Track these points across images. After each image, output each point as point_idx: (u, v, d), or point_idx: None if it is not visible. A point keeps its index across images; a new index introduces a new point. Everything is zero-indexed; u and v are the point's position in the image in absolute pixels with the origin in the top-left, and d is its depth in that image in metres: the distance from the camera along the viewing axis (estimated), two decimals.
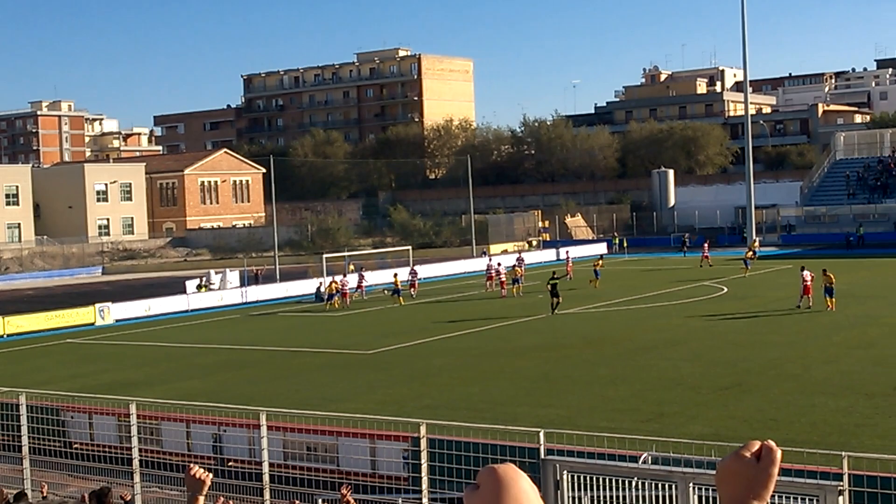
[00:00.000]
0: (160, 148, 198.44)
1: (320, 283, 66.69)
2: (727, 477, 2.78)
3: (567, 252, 77.02)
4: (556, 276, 52.88)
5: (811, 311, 46.64)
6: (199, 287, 70.38)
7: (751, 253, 68.90)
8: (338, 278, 62.92)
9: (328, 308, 59.14)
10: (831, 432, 24.00)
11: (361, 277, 65.24)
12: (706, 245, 75.93)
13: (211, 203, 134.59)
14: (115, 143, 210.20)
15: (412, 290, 63.40)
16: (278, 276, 76.37)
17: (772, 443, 2.78)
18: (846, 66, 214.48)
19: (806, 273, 48.43)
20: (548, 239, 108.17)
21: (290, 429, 23.40)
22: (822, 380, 30.76)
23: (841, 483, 12.48)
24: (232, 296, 67.53)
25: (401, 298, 59.65)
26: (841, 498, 12.10)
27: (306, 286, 69.26)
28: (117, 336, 52.50)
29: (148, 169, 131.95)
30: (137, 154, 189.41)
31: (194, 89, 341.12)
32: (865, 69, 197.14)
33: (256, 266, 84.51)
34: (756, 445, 2.79)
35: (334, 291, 60.75)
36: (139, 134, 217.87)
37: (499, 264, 65.18)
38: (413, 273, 65.47)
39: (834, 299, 46.70)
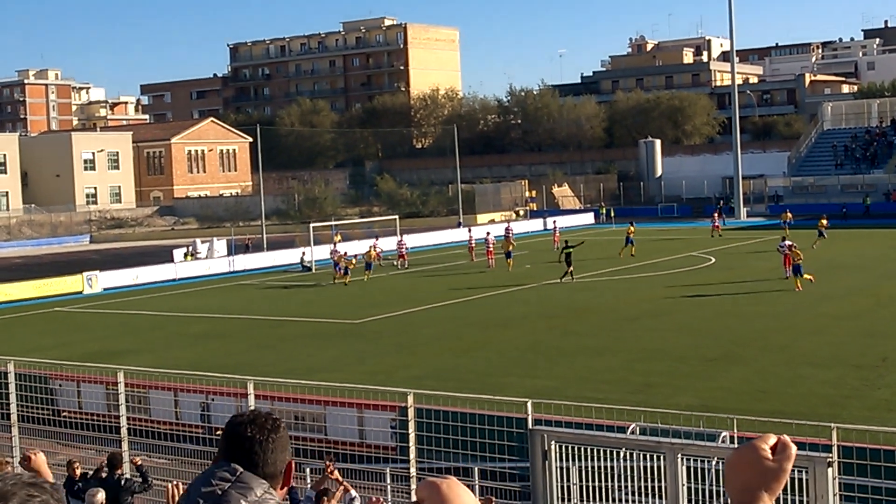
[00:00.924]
0: (147, 117, 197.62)
1: (303, 253, 66.63)
2: (741, 466, 2.77)
3: (555, 222, 76.95)
4: (570, 244, 52.03)
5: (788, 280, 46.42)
6: (185, 256, 70.27)
7: (825, 222, 64.39)
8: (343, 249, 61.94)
9: (336, 281, 56.43)
10: (820, 404, 24.06)
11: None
12: (716, 215, 75.72)
13: (198, 172, 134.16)
14: (102, 112, 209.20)
15: (401, 260, 63.03)
16: (265, 246, 76.29)
17: (787, 438, 2.77)
18: (833, 36, 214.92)
19: (787, 243, 48.40)
20: (535, 209, 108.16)
21: (278, 398, 23.40)
22: (810, 351, 30.83)
23: (830, 455, 12.48)
24: (219, 265, 67.41)
25: (368, 273, 57.21)
26: (830, 469, 12.09)
27: (293, 255, 69.18)
28: (105, 305, 52.39)
29: (135, 138, 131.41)
30: (124, 123, 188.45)
31: (181, 58, 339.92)
32: (853, 39, 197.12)
33: (245, 235, 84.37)
34: (773, 439, 2.78)
35: (343, 263, 57.27)
36: (126, 103, 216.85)
37: (488, 233, 64.70)
38: (401, 243, 64.91)
39: (800, 278, 44.22)
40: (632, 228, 62.47)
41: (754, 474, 2.75)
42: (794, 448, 2.76)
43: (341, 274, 56.53)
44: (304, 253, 66.66)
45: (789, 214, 72.72)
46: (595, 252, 62.38)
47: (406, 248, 64.85)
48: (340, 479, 14.74)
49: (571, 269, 50.53)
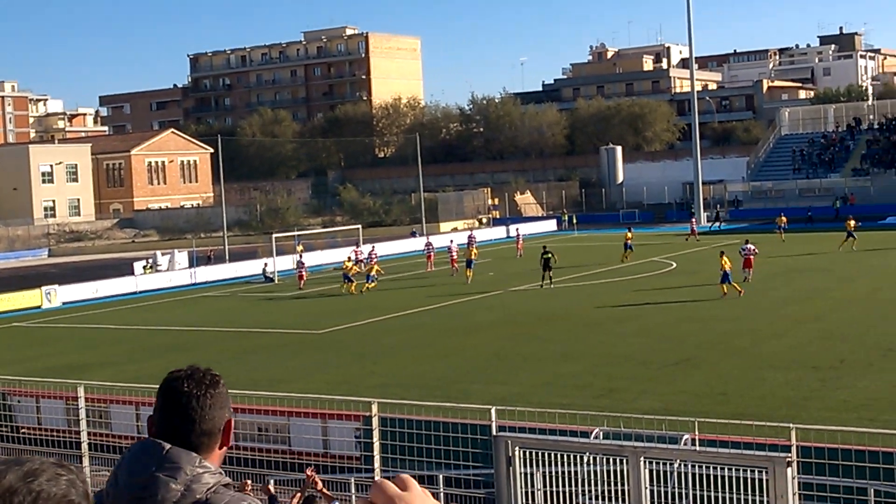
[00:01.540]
0: (106, 128, 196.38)
1: (265, 264, 66.45)
2: None
3: (517, 229, 77.02)
4: (547, 249, 52.03)
5: (756, 284, 47.01)
6: (144, 269, 69.85)
7: (853, 223, 62.63)
8: (351, 255, 61.45)
9: (344, 290, 54.97)
10: (780, 405, 24.24)
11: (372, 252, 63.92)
12: (694, 220, 75.73)
13: (158, 183, 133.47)
14: (61, 124, 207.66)
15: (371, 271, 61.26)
16: (227, 257, 75.99)
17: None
18: (790, 43, 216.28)
19: (750, 246, 48.95)
20: (498, 216, 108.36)
21: (241, 409, 23.30)
22: (771, 353, 31.06)
23: (789, 455, 12.60)
24: (181, 277, 67.09)
25: (352, 286, 54.67)
26: (789, 469, 12.22)
27: (256, 266, 68.96)
28: (64, 319, 52.00)
29: (94, 150, 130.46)
30: (83, 135, 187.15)
31: (140, 69, 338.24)
32: (809, 45, 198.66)
33: (207, 247, 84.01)
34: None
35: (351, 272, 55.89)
36: (84, 114, 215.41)
37: (451, 241, 64.71)
38: (371, 254, 63.64)
39: (727, 285, 43.79)
40: (629, 234, 62.98)
41: None
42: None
43: (347, 283, 54.99)
44: (266, 264, 66.46)
45: (784, 218, 71.69)
46: (560, 259, 62.42)
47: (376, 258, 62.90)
48: (322, 486, 14.69)
49: (550, 273, 50.79)
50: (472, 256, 58.34)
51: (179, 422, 3.49)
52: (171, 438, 3.48)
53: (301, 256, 62.87)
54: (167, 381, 3.62)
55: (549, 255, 51.10)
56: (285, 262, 66.95)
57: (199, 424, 3.49)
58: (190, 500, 3.24)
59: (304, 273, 59.45)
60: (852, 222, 62.29)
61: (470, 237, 67.78)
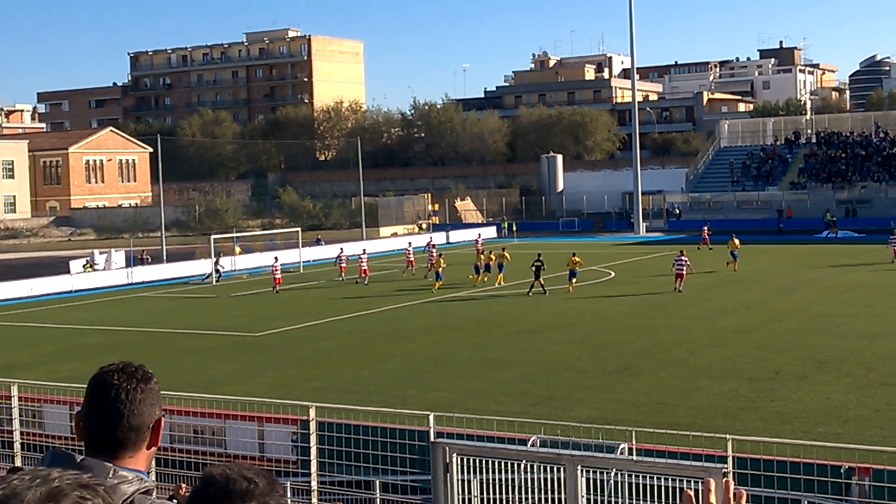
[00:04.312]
0: (44, 125, 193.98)
1: (219, 256, 66.05)
2: None
3: (479, 234, 77.05)
4: (540, 258, 51.79)
5: (693, 295, 47.57)
6: (84, 267, 69.07)
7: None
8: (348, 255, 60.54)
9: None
10: (715, 415, 24.43)
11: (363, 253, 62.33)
12: (705, 228, 74.71)
13: (96, 182, 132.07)
14: None
15: (363, 275, 59.21)
16: (165, 257, 75.34)
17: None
18: (730, 56, 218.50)
19: (685, 258, 49.67)
20: (437, 222, 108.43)
21: (176, 412, 23.06)
22: (707, 364, 31.30)
23: (725, 465, 12.68)
24: (117, 276, 66.40)
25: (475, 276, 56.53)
26: (725, 480, 12.27)
27: (193, 267, 68.44)
28: None
29: (31, 146, 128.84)
30: (20, 131, 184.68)
31: (79, 66, 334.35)
32: (749, 59, 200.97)
33: (144, 247, 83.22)
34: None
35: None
36: (22, 111, 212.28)
37: (409, 244, 64.65)
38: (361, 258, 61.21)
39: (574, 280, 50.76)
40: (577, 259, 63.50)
41: None
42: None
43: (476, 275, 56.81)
44: (220, 254, 66.13)
45: (736, 241, 65.78)
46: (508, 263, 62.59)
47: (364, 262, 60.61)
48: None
49: (541, 281, 50.74)
50: (440, 269, 56.25)
51: (107, 415, 3.40)
52: (98, 433, 3.39)
53: (277, 261, 59.59)
54: (97, 374, 3.53)
55: (540, 263, 51.10)
56: (224, 264, 66.60)
57: (127, 419, 3.40)
58: None
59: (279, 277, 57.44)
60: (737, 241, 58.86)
61: (430, 245, 65.63)
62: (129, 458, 3.41)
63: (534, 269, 51.17)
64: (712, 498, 2.94)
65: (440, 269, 55.61)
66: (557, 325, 40.59)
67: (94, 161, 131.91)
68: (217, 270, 64.43)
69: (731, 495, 2.99)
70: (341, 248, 65.81)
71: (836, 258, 63.37)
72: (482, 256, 58.84)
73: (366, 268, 59.39)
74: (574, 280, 51.10)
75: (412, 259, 61.72)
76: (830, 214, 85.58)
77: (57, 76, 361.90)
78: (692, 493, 3.18)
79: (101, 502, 2.44)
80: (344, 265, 61.81)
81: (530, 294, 50.57)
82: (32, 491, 2.33)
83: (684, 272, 49.21)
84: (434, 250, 61.40)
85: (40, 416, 23.11)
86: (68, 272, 66.29)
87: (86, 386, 3.58)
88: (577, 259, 52.04)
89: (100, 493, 2.45)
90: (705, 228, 74.56)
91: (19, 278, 62.99)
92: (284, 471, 21.05)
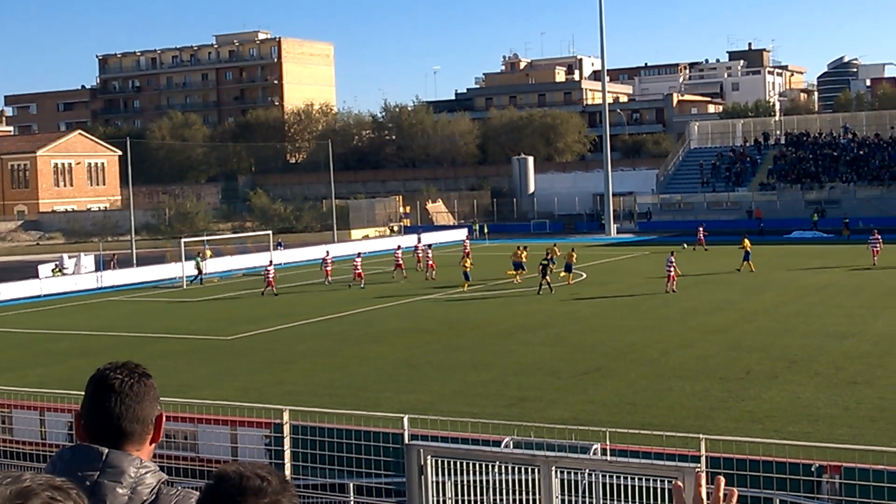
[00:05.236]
0: (11, 128, 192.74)
1: (199, 257, 65.84)
2: None
3: (467, 240, 77.08)
4: (549, 256, 52.62)
5: (667, 294, 47.86)
6: (53, 271, 68.64)
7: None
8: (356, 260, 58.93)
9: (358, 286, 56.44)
10: (687, 416, 24.53)
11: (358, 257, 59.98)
12: (701, 228, 74.74)
13: (65, 185, 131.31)
14: None
15: (358, 279, 57.73)
16: (135, 261, 74.96)
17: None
18: (700, 58, 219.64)
19: (672, 259, 49.97)
20: (409, 224, 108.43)
21: None
22: (679, 364, 31.42)
23: (699, 465, 12.74)
24: (87, 281, 66.00)
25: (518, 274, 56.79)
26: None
27: (164, 271, 68.15)
28: None
29: None
30: None
31: (48, 69, 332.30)
32: (718, 60, 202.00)
33: (113, 251, 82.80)
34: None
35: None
36: None
37: (398, 246, 64.19)
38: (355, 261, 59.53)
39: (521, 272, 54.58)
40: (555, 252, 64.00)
41: None
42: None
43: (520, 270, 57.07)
44: (199, 254, 65.97)
45: (747, 242, 59.26)
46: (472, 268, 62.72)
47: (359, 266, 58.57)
48: None
49: (548, 279, 51.28)
50: (570, 260, 56.18)
51: (113, 408, 3.45)
52: (105, 427, 3.43)
53: (271, 264, 59.01)
54: (98, 372, 3.60)
55: (547, 262, 51.68)
56: (194, 268, 66.38)
57: (133, 410, 3.46)
58: (136, 503, 3.20)
59: (271, 279, 56.69)
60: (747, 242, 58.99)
61: (424, 248, 64.77)
62: (136, 451, 3.46)
63: (541, 267, 51.56)
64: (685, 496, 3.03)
65: (467, 269, 55.17)
66: (530, 326, 40.65)
67: (63, 164, 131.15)
68: (200, 271, 64.30)
69: (721, 495, 3.06)
70: (327, 252, 64.72)
71: (808, 259, 63.71)
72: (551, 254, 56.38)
73: (360, 271, 57.60)
74: (570, 274, 54.58)
75: (401, 262, 61.32)
76: (844, 219, 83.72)
77: (25, 79, 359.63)
78: (682, 484, 3.25)
79: None
80: (329, 268, 60.88)
81: (539, 293, 51.01)
82: (2, 489, 2.34)
83: (673, 273, 49.54)
84: (430, 251, 61.49)
85: (10, 422, 22.96)
86: (37, 276, 65.88)
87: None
88: (574, 254, 55.65)
89: (72, 495, 2.46)
90: (700, 229, 74.53)
91: None
92: None
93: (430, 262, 60.16)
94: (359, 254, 61.76)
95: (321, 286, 59.40)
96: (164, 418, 3.53)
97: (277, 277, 57.99)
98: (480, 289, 54.20)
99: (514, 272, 55.57)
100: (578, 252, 60.20)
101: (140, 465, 3.32)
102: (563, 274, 54.70)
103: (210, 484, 2.98)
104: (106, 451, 3.33)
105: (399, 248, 63.71)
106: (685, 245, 52.90)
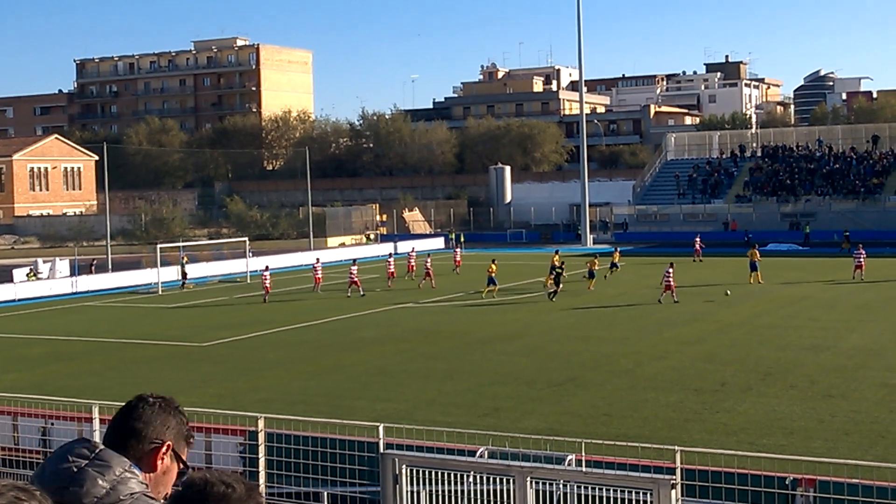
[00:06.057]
0: None
1: (184, 260, 65.80)
2: None
3: (457, 246, 77.10)
4: (563, 264, 53.66)
5: (656, 305, 48.10)
6: (27, 276, 68.28)
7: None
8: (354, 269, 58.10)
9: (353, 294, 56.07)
10: (662, 427, 24.57)
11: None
12: (697, 239, 74.94)
13: (40, 190, 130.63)
14: None
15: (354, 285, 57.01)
16: (110, 266, 74.66)
17: None
18: (677, 69, 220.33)
19: (670, 269, 50.12)
20: (385, 233, 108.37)
21: None
22: (654, 375, 31.49)
23: (674, 477, 12.76)
24: (62, 285, 65.67)
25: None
26: (674, 491, 12.37)
27: (139, 276, 67.89)
28: None
29: None
30: None
31: (24, 73, 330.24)
32: (695, 72, 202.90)
33: (89, 256, 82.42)
34: None
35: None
36: None
37: (390, 254, 64.10)
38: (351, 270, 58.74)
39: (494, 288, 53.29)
40: (616, 255, 64.84)
41: None
42: None
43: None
44: (184, 258, 65.83)
45: (757, 252, 59.37)
46: (448, 277, 62.71)
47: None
48: None
49: (561, 288, 52.17)
50: (592, 267, 57.24)
51: (120, 415, 3.60)
52: (108, 432, 3.54)
53: (267, 270, 58.32)
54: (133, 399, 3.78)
55: (560, 271, 52.75)
56: (170, 273, 66.15)
57: (134, 421, 3.55)
58: (112, 499, 3.22)
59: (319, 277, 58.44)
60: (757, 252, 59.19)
61: (425, 258, 63.03)
62: (135, 460, 3.51)
63: (553, 275, 52.51)
64: None
65: (492, 274, 54.69)
66: (505, 336, 40.66)
67: (39, 168, 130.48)
68: (184, 274, 64.21)
69: None
70: (317, 259, 64.31)
71: (784, 272, 63.92)
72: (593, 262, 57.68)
73: (356, 279, 56.80)
74: (491, 286, 53.96)
75: (392, 270, 61.20)
76: (844, 232, 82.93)
77: (1, 82, 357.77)
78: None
79: None
80: (319, 276, 60.24)
81: (553, 299, 51.53)
82: None
83: (672, 284, 49.75)
84: (429, 258, 61.05)
85: None
86: (11, 281, 65.49)
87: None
88: (494, 266, 54.90)
89: (36, 496, 2.54)
90: (697, 240, 74.79)
91: None
92: None
93: (429, 270, 59.54)
94: (354, 261, 60.95)
95: (309, 293, 59.27)
96: (164, 451, 3.54)
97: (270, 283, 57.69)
98: (457, 298, 54.18)
99: (551, 282, 53.64)
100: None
101: (128, 469, 3.36)
102: (585, 279, 56.67)
103: (176, 490, 3.02)
104: (101, 446, 3.37)
105: (391, 255, 63.72)
106: (728, 293, 50.71)
